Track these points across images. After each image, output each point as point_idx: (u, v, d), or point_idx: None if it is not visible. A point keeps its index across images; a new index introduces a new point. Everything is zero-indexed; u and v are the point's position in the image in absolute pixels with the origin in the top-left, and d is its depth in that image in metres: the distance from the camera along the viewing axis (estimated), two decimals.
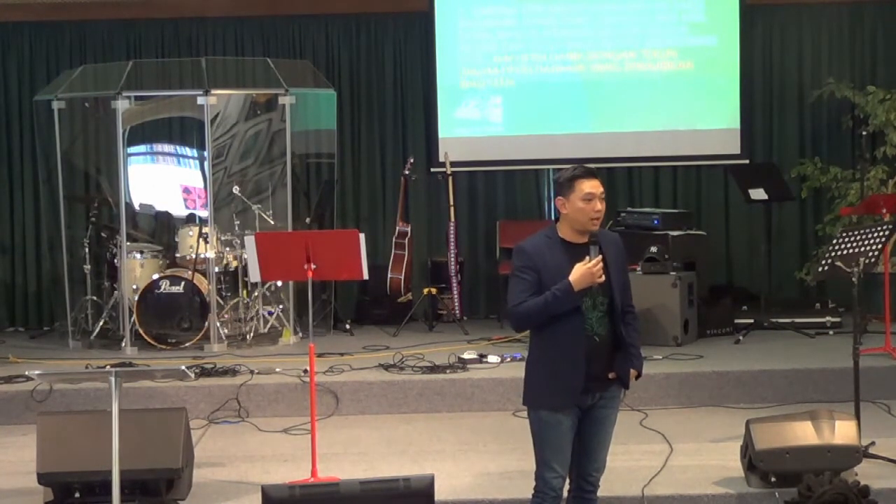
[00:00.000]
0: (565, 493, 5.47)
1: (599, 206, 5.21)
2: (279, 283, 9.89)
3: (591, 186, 5.21)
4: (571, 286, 5.07)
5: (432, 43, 10.86)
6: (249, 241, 6.90)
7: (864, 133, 9.74)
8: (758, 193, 10.17)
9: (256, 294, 9.92)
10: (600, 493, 5.57)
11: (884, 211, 8.87)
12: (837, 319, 9.76)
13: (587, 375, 5.18)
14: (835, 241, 6.84)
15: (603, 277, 5.11)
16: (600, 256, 5.13)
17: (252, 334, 9.81)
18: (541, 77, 10.90)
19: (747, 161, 10.82)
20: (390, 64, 11.07)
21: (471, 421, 8.02)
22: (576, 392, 5.18)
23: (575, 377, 5.17)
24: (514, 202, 11.07)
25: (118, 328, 9.78)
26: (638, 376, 5.43)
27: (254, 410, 8.21)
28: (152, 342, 9.50)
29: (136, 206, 10.62)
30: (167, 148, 11.06)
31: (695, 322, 9.51)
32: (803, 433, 6.29)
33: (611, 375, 5.26)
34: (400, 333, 10.07)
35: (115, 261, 9.90)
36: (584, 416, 5.30)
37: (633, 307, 5.41)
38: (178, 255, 9.97)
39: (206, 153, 9.87)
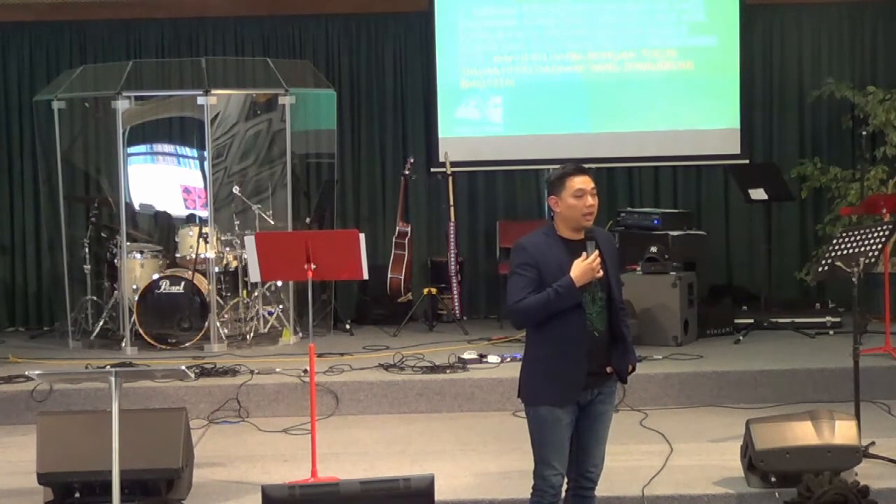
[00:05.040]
0: (563, 493, 5.49)
1: (591, 201, 5.21)
2: (279, 283, 9.89)
3: (582, 182, 5.21)
4: (573, 282, 5.11)
5: (432, 43, 10.86)
6: (249, 241, 6.90)
7: (864, 133, 9.74)
8: (758, 193, 10.17)
9: (256, 294, 9.92)
10: (600, 492, 5.57)
11: (884, 211, 8.87)
12: (837, 319, 9.76)
13: (588, 371, 5.22)
14: (835, 241, 6.84)
15: (601, 272, 5.17)
16: (597, 251, 5.17)
17: (252, 334, 9.80)
18: (541, 77, 10.90)
19: (747, 161, 10.83)
20: (390, 64, 11.07)
21: (471, 421, 8.02)
22: (577, 388, 5.21)
23: (577, 373, 5.20)
24: (514, 202, 11.07)
25: (118, 328, 9.78)
26: (632, 370, 5.47)
27: (254, 410, 8.21)
28: (152, 342, 9.50)
29: (136, 206, 10.62)
30: (167, 148, 11.06)
31: (695, 322, 9.51)
32: (803, 433, 6.29)
33: (608, 370, 5.29)
34: (400, 333, 10.07)
35: (115, 261, 9.90)
36: (581, 413, 5.32)
37: (623, 303, 5.44)
38: (178, 255, 9.97)
39: (206, 153, 9.87)
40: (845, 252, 6.78)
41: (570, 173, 5.24)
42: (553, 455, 5.29)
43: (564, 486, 5.46)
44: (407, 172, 10.56)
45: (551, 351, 5.25)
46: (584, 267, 5.13)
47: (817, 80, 10.86)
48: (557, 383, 5.23)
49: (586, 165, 5.46)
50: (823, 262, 6.87)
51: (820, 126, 11.02)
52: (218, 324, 9.60)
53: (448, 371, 8.50)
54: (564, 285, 5.11)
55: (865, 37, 11.03)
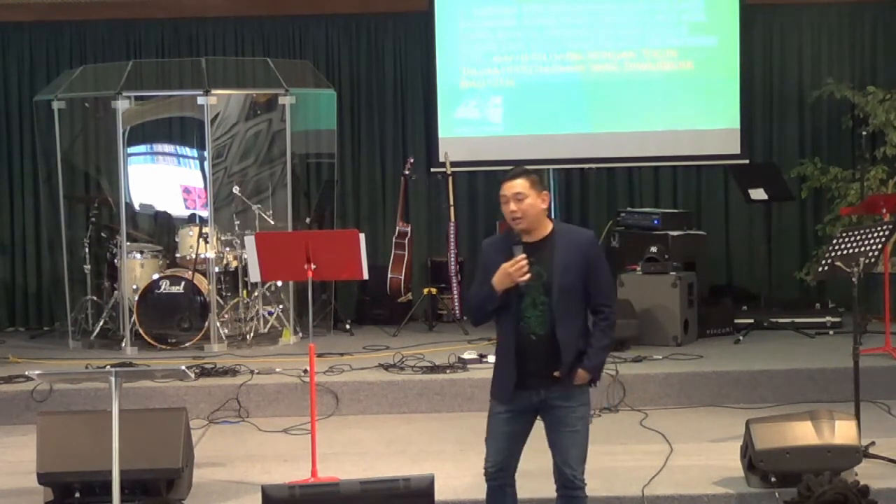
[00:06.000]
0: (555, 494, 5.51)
1: (513, 206, 5.25)
2: (279, 283, 9.89)
3: (505, 188, 5.30)
4: (493, 285, 5.23)
5: (432, 43, 10.85)
6: (249, 241, 6.90)
7: (864, 133, 9.75)
8: (758, 193, 10.18)
9: (256, 294, 9.92)
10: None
11: (884, 211, 8.87)
12: (837, 319, 9.76)
13: (526, 373, 5.28)
14: (835, 241, 6.84)
15: (527, 277, 5.18)
16: (521, 257, 5.19)
17: (252, 334, 9.81)
18: (541, 77, 10.90)
19: (747, 161, 10.82)
20: (390, 64, 11.07)
21: (471, 421, 8.00)
22: (507, 388, 5.32)
23: (508, 374, 5.31)
24: None
25: (118, 328, 9.78)
26: (593, 380, 5.39)
27: (254, 410, 8.21)
28: (152, 342, 9.50)
29: (136, 206, 10.62)
30: (167, 148, 11.06)
31: (695, 322, 9.51)
32: (803, 433, 6.29)
33: (556, 374, 5.29)
34: (400, 333, 10.07)
35: (115, 261, 9.90)
36: (544, 414, 5.37)
37: (609, 306, 5.37)
38: (178, 255, 9.97)
39: (206, 153, 9.87)
40: (845, 252, 6.78)
41: (503, 179, 5.34)
42: (489, 445, 5.43)
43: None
44: (407, 172, 10.57)
45: (497, 350, 5.44)
46: (501, 272, 5.20)
47: (817, 80, 10.85)
48: (496, 381, 5.40)
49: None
50: (823, 262, 6.87)
51: (820, 126, 11.02)
52: (218, 324, 9.60)
53: (448, 371, 8.50)
54: (488, 287, 5.25)
55: (865, 37, 11.03)
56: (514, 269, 5.17)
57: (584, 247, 5.33)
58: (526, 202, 5.23)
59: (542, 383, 5.29)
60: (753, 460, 6.30)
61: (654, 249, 9.60)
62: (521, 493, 5.81)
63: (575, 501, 5.42)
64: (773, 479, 6.23)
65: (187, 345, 9.51)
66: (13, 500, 6.54)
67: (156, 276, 9.63)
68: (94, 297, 10.15)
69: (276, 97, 10.06)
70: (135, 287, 9.61)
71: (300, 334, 9.85)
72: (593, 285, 5.31)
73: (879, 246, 6.89)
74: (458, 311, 10.36)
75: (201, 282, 9.65)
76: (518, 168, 5.37)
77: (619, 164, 11.01)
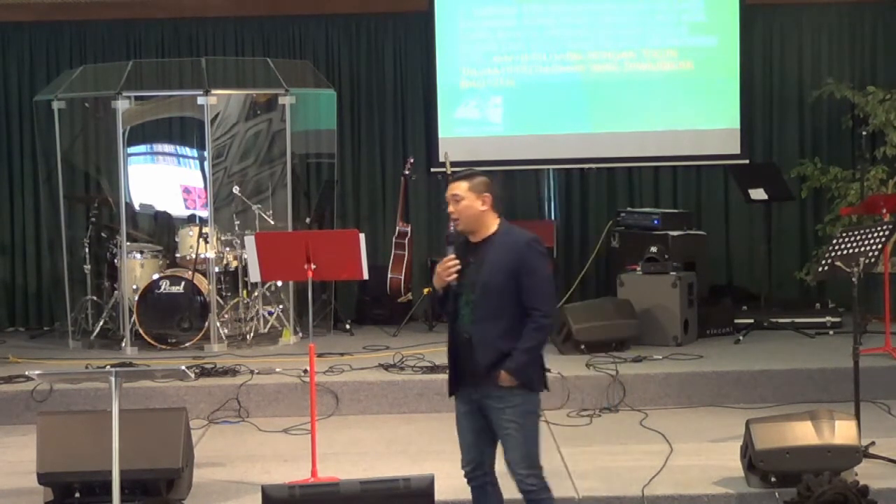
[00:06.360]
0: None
1: (451, 207, 5.41)
2: (279, 283, 9.89)
3: (447, 190, 5.45)
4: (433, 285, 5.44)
5: (432, 43, 10.86)
6: (249, 241, 6.91)
7: (864, 133, 9.75)
8: (758, 193, 10.18)
9: (256, 294, 9.92)
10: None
11: (884, 211, 8.88)
12: (837, 319, 9.76)
13: (459, 369, 5.41)
14: (835, 241, 6.84)
15: (453, 277, 5.32)
16: (450, 257, 5.35)
17: (252, 334, 9.80)
18: (541, 77, 10.90)
19: (747, 161, 10.82)
20: (390, 64, 11.07)
21: None
22: (450, 383, 5.47)
23: (448, 369, 5.47)
24: (514, 202, 11.04)
25: (118, 328, 9.78)
26: (524, 383, 5.34)
27: (254, 410, 8.21)
28: (152, 342, 9.50)
29: (136, 206, 10.62)
30: (167, 148, 11.06)
31: (695, 322, 9.51)
32: (803, 433, 6.29)
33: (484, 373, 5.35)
34: (400, 333, 10.07)
35: (115, 261, 9.90)
36: (485, 412, 5.40)
37: (541, 310, 5.33)
38: (178, 255, 9.97)
39: (206, 153, 9.87)
40: (845, 252, 6.79)
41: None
42: (459, 443, 5.54)
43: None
44: (407, 172, 10.57)
45: None
46: (436, 271, 5.38)
47: (817, 80, 10.85)
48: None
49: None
50: (823, 262, 6.87)
51: (820, 126, 11.02)
52: (218, 324, 9.60)
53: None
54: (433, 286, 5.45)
55: (865, 37, 11.02)
56: (443, 270, 5.34)
57: (518, 248, 5.36)
58: (462, 203, 5.38)
59: (476, 381, 5.38)
60: (753, 460, 6.30)
61: (654, 249, 9.60)
62: (511, 492, 5.84)
63: None
64: (773, 479, 6.23)
65: (187, 345, 9.50)
66: (13, 500, 6.54)
67: (156, 276, 9.63)
68: (94, 297, 10.14)
69: (276, 97, 10.06)
70: (135, 287, 9.61)
71: (300, 334, 9.85)
72: (524, 288, 5.32)
73: (879, 246, 6.89)
74: None
75: (201, 282, 9.65)
76: (466, 170, 5.54)
77: (619, 164, 11.00)
